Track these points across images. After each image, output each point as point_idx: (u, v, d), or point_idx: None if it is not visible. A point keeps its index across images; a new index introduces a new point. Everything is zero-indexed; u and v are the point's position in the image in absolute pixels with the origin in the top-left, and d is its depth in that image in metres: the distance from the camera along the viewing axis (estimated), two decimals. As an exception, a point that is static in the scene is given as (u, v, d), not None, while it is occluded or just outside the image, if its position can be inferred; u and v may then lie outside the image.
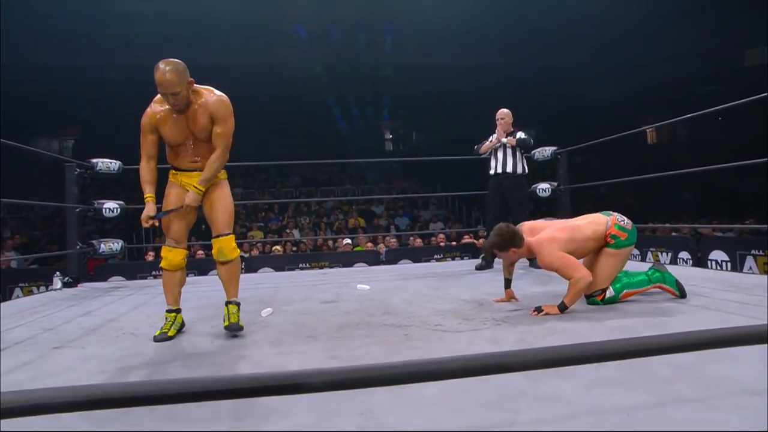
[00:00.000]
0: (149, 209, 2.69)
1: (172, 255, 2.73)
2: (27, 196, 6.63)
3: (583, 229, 3.00)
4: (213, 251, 2.72)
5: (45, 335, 2.81)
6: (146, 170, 2.73)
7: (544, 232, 3.02)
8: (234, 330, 2.58)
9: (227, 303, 2.69)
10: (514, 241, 2.97)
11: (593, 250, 3.04)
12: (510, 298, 3.22)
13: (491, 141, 5.04)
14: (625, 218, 3.06)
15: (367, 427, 1.42)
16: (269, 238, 11.18)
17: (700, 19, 15.19)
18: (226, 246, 2.69)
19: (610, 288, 2.99)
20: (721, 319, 2.52)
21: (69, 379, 2.00)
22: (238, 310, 2.70)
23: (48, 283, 5.24)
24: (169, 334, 2.63)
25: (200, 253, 8.53)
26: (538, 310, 2.81)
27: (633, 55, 17.52)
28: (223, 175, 2.81)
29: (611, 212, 3.10)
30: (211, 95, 2.63)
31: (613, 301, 2.99)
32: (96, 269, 6.47)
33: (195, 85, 2.59)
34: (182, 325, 2.78)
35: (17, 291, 6.50)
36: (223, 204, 2.74)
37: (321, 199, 14.19)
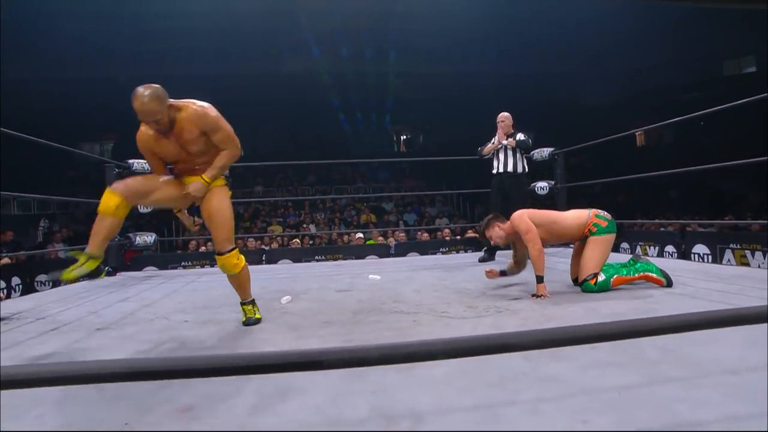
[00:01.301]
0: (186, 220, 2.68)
1: (106, 197, 2.33)
2: (73, 194, 6.70)
3: (565, 215, 3.25)
4: (218, 265, 2.53)
5: (90, 318, 2.85)
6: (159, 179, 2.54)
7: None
8: (252, 324, 2.51)
9: (242, 303, 2.61)
10: (492, 220, 3.28)
11: (575, 236, 3.18)
12: (493, 275, 3.35)
13: (493, 143, 5.03)
14: (605, 212, 3.18)
15: (380, 404, 1.42)
16: (288, 232, 11.21)
17: (684, 31, 15.10)
18: (227, 264, 2.49)
19: (602, 273, 2.99)
20: (705, 306, 2.49)
21: (111, 356, 2.03)
22: (253, 305, 2.62)
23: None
24: (64, 275, 2.22)
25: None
26: (536, 295, 2.92)
27: (623, 64, 17.41)
28: (221, 181, 2.55)
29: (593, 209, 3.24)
30: (192, 108, 2.37)
31: (605, 286, 2.97)
32: (132, 260, 6.53)
33: (172, 101, 2.36)
34: (96, 272, 2.58)
35: (64, 279, 6.58)
36: (221, 218, 2.49)
37: (335, 196, 14.20)
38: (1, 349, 2.18)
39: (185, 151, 2.44)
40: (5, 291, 5.78)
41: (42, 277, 6.77)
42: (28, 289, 6.38)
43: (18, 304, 3.47)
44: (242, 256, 2.56)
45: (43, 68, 15.19)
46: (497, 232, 3.24)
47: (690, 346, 1.73)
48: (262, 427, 1.33)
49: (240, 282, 2.58)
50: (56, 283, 6.62)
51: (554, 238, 3.25)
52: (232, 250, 2.49)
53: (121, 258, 5.31)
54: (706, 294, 2.80)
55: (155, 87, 2.28)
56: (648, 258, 3.25)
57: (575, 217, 3.17)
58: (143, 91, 2.24)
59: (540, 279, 2.96)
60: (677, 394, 1.40)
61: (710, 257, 6.34)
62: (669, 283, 3.00)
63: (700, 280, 3.21)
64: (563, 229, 3.18)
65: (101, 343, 2.27)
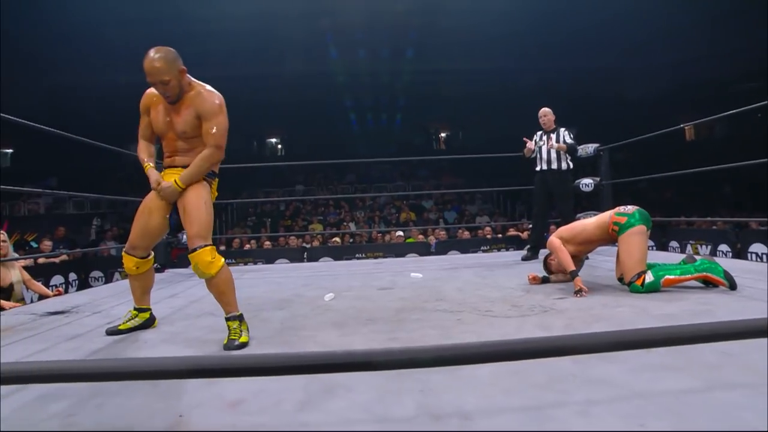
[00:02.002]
0: (154, 175, 2.33)
1: (125, 260, 2.41)
2: (122, 194, 6.99)
3: (587, 222, 3.34)
4: (192, 266, 2.23)
5: (140, 314, 2.94)
6: (142, 146, 2.41)
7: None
8: (233, 349, 2.09)
9: (225, 319, 2.22)
10: (546, 258, 3.50)
11: (602, 240, 3.21)
12: (535, 282, 3.40)
13: (534, 143, 4.92)
14: (628, 207, 3.14)
15: (427, 404, 1.41)
16: (328, 230, 11.33)
17: (737, 19, 14.34)
18: (200, 261, 2.16)
19: (650, 273, 2.86)
20: (764, 309, 2.36)
21: (164, 351, 2.10)
22: (240, 322, 2.21)
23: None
24: (120, 327, 2.41)
25: (267, 243, 8.75)
26: (577, 292, 2.92)
27: (667, 56, 16.73)
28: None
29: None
30: (200, 89, 2.27)
31: (654, 287, 2.84)
32: (178, 257, 6.74)
33: (190, 77, 2.27)
34: (147, 323, 2.50)
35: (116, 275, 6.87)
36: (195, 212, 2.24)
37: (375, 194, 14.25)
38: (61, 342, 2.29)
39: (172, 129, 2.30)
40: (63, 286, 6.07)
41: (96, 273, 7.07)
42: (83, 284, 6.68)
43: (76, 298, 3.64)
44: (220, 257, 2.22)
45: (92, 74, 15.84)
46: (553, 263, 3.42)
47: (754, 352, 1.63)
48: (312, 426, 1.34)
49: (219, 288, 2.21)
50: (109, 279, 6.92)
51: (585, 248, 3.30)
52: (205, 246, 2.19)
53: (169, 255, 5.49)
54: (764, 295, 2.66)
55: (167, 48, 2.20)
56: (713, 257, 3.10)
57: (596, 221, 3.25)
58: (154, 52, 2.17)
59: (574, 273, 3.04)
60: (742, 401, 1.33)
61: (769, 257, 6.03)
62: (732, 286, 2.80)
63: (759, 281, 3.05)
64: (588, 237, 3.21)
65: (153, 338, 2.35)
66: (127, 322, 2.45)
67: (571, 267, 3.08)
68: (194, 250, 2.18)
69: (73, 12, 12.85)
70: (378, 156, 13.32)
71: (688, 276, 2.87)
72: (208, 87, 2.31)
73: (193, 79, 2.29)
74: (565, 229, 3.38)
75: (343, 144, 18.39)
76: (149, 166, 2.36)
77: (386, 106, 18.89)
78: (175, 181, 2.28)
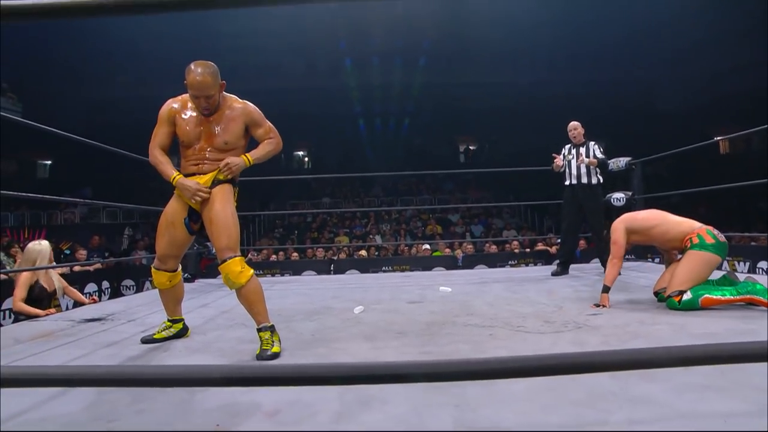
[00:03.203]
0: (191, 183, 2.27)
1: (155, 275, 2.43)
2: (153, 204, 7.14)
3: (669, 218, 3.05)
4: (222, 277, 2.26)
5: (174, 323, 3.00)
6: (159, 153, 2.36)
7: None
8: (266, 359, 2.10)
9: (258, 330, 2.23)
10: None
11: (674, 243, 2.98)
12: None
13: (564, 156, 4.86)
14: (718, 231, 2.90)
15: (464, 419, 1.40)
16: (354, 243, 11.37)
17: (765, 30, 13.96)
18: (230, 272, 2.19)
19: (689, 292, 2.75)
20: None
21: (198, 360, 2.13)
22: (272, 334, 2.21)
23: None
24: (155, 336, 2.45)
25: (294, 255, 8.83)
26: (597, 305, 2.94)
27: (700, 67, 16.40)
28: (226, 181, 2.34)
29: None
30: (239, 102, 2.35)
31: (692, 305, 2.72)
32: (208, 267, 6.85)
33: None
34: (181, 333, 2.53)
35: (147, 284, 7.02)
36: (223, 223, 2.24)
37: (401, 207, 14.26)
38: (100, 348, 2.35)
39: (210, 139, 2.30)
40: (97, 293, 6.22)
41: (127, 282, 7.23)
42: (115, 292, 6.84)
43: (110, 306, 3.73)
44: (249, 267, 2.24)
45: (130, 88, 16.38)
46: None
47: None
48: (346, 436, 1.34)
49: (249, 298, 2.22)
50: (140, 287, 7.06)
51: (655, 242, 3.11)
52: (234, 257, 2.21)
53: (198, 265, 5.59)
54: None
55: (209, 63, 2.23)
56: (753, 277, 2.94)
57: (681, 221, 3.00)
58: (199, 67, 2.18)
59: (606, 289, 2.99)
60: (792, 424, 1.29)
61: (810, 275, 5.80)
62: None
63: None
64: (664, 233, 3.00)
65: (186, 346, 2.39)
66: (161, 331, 2.49)
67: (610, 283, 3.01)
68: (224, 261, 2.20)
69: (113, 29, 13.34)
70: (402, 169, 13.33)
71: (730, 298, 2.72)
72: (238, 99, 2.38)
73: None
74: (639, 219, 3.14)
75: (369, 158, 18.48)
76: (179, 175, 2.32)
77: (416, 118, 18.96)
78: (246, 156, 2.33)
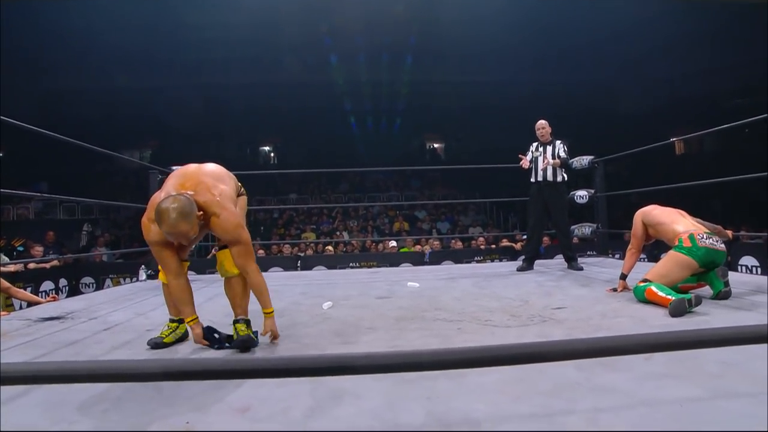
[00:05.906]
0: (199, 331, 2.13)
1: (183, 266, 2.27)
2: (114, 200, 6.93)
3: (674, 220, 3.14)
4: (218, 265, 2.24)
5: (138, 319, 2.93)
6: (178, 287, 2.15)
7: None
8: (242, 343, 2.11)
9: (234, 322, 2.21)
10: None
11: (670, 241, 3.07)
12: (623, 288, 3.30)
13: (531, 153, 4.95)
14: (709, 240, 2.93)
15: (436, 411, 1.42)
16: (321, 239, 11.31)
17: (726, 36, 14.61)
18: (227, 259, 2.19)
19: (652, 285, 2.79)
20: (760, 319, 2.40)
21: (162, 355, 2.09)
22: (248, 326, 2.22)
23: (134, 275, 5.46)
24: (165, 341, 2.28)
25: (260, 251, 8.72)
26: (613, 289, 3.30)
27: (660, 71, 17.01)
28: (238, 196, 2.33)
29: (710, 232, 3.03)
30: (223, 218, 2.09)
31: (639, 294, 2.85)
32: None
33: (200, 200, 2.05)
34: (187, 334, 2.38)
35: (108, 281, 6.82)
36: (227, 221, 2.10)
37: (368, 204, 14.25)
38: (61, 347, 2.27)
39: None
40: (54, 291, 6.01)
41: (87, 279, 7.01)
42: (74, 290, 6.62)
43: (70, 304, 3.61)
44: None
45: (88, 78, 15.82)
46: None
47: (754, 360, 1.66)
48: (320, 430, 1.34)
49: (235, 290, 2.25)
50: (100, 285, 6.86)
51: (661, 238, 3.23)
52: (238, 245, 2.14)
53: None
54: (760, 306, 2.69)
55: (181, 203, 1.94)
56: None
57: (678, 225, 3.07)
58: (170, 213, 1.92)
59: (623, 276, 3.29)
60: (747, 410, 1.36)
61: (759, 269, 6.10)
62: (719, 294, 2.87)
63: (755, 294, 3.08)
64: (666, 232, 3.12)
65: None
66: (169, 334, 2.33)
67: (627, 270, 3.29)
68: (223, 247, 2.20)
69: (71, 16, 12.84)
70: (370, 166, 13.34)
71: (670, 297, 2.67)
72: (225, 209, 2.12)
73: (200, 199, 2.07)
74: (653, 214, 3.24)
75: (337, 155, 18.43)
76: (195, 320, 2.14)
77: (384, 115, 18.98)
78: (265, 311, 2.22)
